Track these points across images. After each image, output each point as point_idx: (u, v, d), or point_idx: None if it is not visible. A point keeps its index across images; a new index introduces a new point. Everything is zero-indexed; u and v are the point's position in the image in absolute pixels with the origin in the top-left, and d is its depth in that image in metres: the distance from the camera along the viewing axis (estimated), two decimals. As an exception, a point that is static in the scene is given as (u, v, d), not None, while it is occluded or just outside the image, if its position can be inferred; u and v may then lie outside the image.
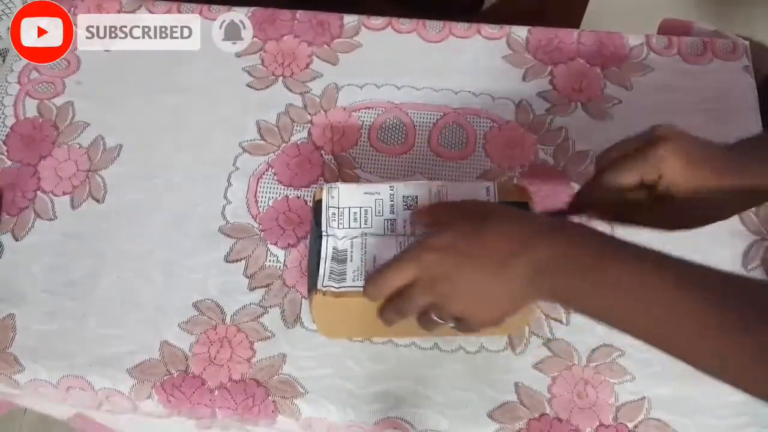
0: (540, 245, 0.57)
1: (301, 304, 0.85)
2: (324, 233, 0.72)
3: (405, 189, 0.75)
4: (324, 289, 0.69)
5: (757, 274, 0.85)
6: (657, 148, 0.64)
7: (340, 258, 0.70)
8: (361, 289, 0.67)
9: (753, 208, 0.88)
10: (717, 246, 0.87)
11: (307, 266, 0.82)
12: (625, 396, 0.80)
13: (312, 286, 0.70)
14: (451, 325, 0.64)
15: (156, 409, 0.84)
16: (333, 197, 0.74)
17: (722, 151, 0.66)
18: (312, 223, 0.74)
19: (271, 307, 0.85)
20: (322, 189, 0.75)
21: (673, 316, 0.52)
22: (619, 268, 0.55)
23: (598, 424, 0.79)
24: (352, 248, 0.71)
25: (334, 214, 0.73)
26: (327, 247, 0.70)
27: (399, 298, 0.64)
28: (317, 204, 0.75)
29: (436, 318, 0.64)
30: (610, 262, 0.55)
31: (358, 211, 0.73)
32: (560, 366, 0.81)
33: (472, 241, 0.60)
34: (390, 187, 0.75)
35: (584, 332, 0.83)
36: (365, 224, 0.73)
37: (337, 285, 0.69)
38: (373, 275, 0.64)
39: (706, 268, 0.53)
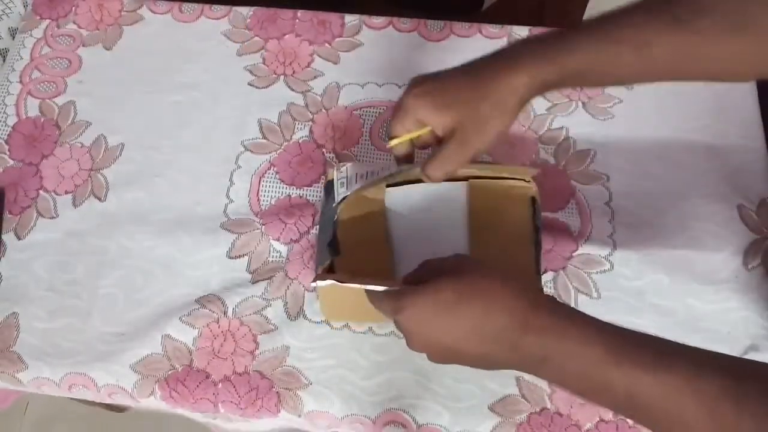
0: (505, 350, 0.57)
1: (303, 296, 0.86)
2: (335, 202, 0.74)
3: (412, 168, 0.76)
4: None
5: (758, 272, 0.86)
6: (404, 100, 0.68)
7: None
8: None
9: (754, 208, 0.89)
10: (718, 245, 0.87)
11: (310, 257, 0.82)
12: (626, 392, 0.80)
13: (320, 262, 0.71)
14: None
15: (158, 406, 0.84)
16: (341, 171, 0.77)
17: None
18: (322, 198, 0.75)
19: (273, 299, 0.86)
20: (333, 171, 0.78)
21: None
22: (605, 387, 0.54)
23: (598, 419, 0.79)
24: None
25: (342, 183, 0.76)
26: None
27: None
28: (329, 184, 0.76)
29: None
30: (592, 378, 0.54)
31: (365, 174, 0.75)
32: (562, 361, 0.82)
33: (444, 326, 0.59)
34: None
35: (585, 328, 0.83)
36: (371, 176, 0.75)
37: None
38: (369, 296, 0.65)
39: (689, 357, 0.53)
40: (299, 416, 0.82)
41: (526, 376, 0.81)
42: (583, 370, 0.54)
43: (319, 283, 0.69)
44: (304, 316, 0.85)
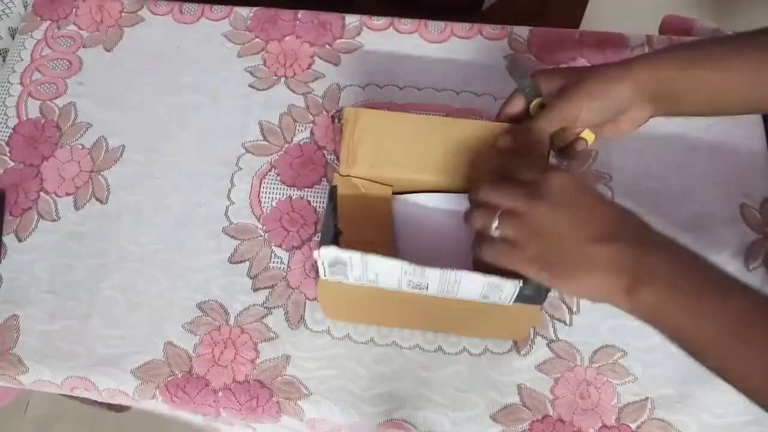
0: (642, 261, 0.59)
1: (305, 305, 0.86)
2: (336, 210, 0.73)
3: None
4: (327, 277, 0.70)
5: (759, 273, 0.85)
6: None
7: (341, 263, 0.69)
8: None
9: (757, 206, 0.89)
10: (719, 244, 0.87)
11: (311, 267, 0.82)
12: (627, 397, 0.80)
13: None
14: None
15: (160, 408, 0.84)
16: None
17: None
18: (326, 205, 0.75)
19: (275, 308, 0.86)
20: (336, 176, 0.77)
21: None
22: (723, 301, 0.56)
23: (600, 425, 0.79)
24: (351, 262, 0.68)
25: None
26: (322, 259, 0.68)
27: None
28: (333, 189, 0.75)
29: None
30: (713, 294, 0.57)
31: None
32: (563, 367, 0.82)
33: (571, 257, 0.59)
34: None
35: (586, 333, 0.83)
36: None
37: (340, 278, 0.69)
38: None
39: None
40: (301, 420, 0.82)
41: (528, 384, 0.81)
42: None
43: (320, 283, 0.69)
44: (305, 326, 0.85)
